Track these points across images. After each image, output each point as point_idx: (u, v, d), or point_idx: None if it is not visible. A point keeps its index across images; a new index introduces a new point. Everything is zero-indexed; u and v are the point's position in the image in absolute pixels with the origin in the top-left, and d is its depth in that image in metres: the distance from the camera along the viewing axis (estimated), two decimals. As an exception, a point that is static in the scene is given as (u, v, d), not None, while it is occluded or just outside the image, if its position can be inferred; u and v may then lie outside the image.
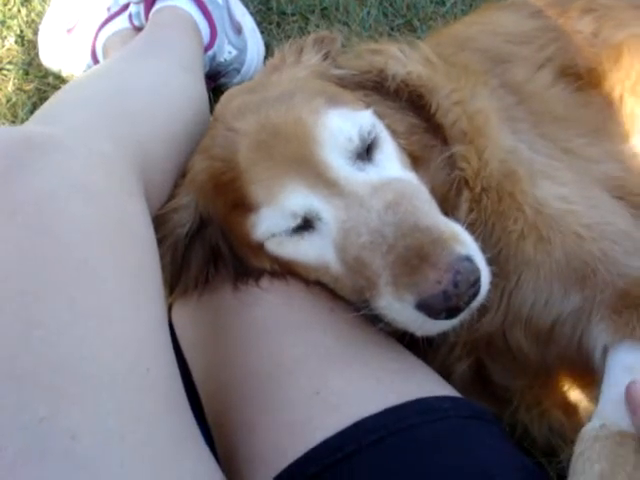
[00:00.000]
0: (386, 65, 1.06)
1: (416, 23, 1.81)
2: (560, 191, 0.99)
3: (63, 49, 1.65)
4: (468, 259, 0.80)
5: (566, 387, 1.05)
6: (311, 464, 0.81)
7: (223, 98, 1.08)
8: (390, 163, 0.92)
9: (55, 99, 1.02)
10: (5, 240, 0.68)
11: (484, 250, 0.87)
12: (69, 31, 1.63)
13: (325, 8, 1.83)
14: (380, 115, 0.97)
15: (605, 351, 0.91)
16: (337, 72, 1.05)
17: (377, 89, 1.04)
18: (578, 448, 0.82)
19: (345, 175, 0.87)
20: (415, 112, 1.02)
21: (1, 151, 0.73)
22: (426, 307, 0.78)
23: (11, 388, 0.62)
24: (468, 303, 0.80)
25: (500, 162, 0.99)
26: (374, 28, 1.79)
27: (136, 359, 0.71)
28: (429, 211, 0.86)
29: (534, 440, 1.09)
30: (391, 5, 1.84)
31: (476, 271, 0.80)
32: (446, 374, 1.00)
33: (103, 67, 1.28)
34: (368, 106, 0.97)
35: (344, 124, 0.89)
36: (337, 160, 0.87)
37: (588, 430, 0.83)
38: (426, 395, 0.87)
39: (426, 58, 1.10)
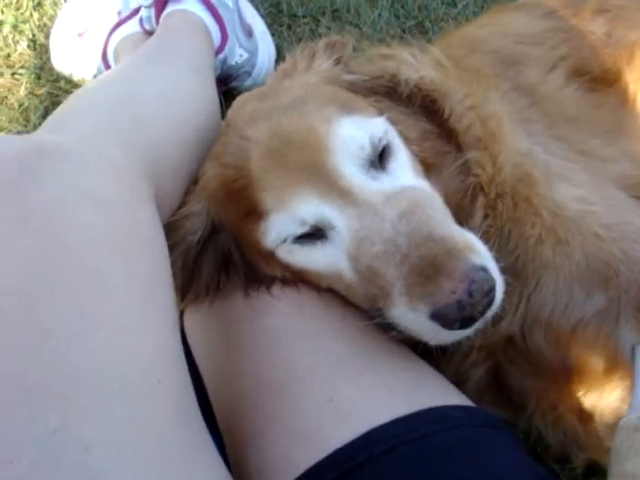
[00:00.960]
0: (398, 70, 1.05)
1: (427, 25, 1.80)
2: (577, 192, 0.98)
3: (74, 53, 1.65)
4: (483, 269, 0.79)
5: (582, 392, 1.05)
6: (323, 473, 0.81)
7: (235, 104, 1.07)
8: (403, 171, 0.91)
9: (66, 106, 1.02)
10: (15, 248, 0.68)
11: (499, 258, 0.86)
12: (80, 35, 1.63)
13: (336, 10, 1.83)
14: (393, 121, 0.96)
15: (633, 348, 0.92)
16: (349, 78, 1.04)
17: (389, 94, 1.03)
18: (618, 438, 0.83)
19: (358, 184, 0.86)
20: (428, 117, 1.02)
21: (13, 160, 0.73)
22: (440, 317, 0.78)
23: (23, 399, 0.62)
24: (482, 313, 0.79)
25: (514, 166, 0.98)
26: (385, 30, 1.79)
27: (148, 369, 0.71)
28: (443, 220, 0.85)
29: (548, 446, 1.09)
30: (402, 7, 1.83)
31: (490, 280, 0.79)
32: (461, 381, 1.00)
33: (113, 73, 1.28)
34: (381, 112, 0.97)
35: (357, 132, 0.89)
36: (350, 168, 0.87)
37: (627, 421, 0.84)
38: (439, 404, 0.86)
39: (438, 62, 1.09)
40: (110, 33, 1.58)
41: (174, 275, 0.87)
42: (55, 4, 1.84)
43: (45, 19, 1.82)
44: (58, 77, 1.71)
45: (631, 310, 0.92)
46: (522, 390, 1.06)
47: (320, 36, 1.75)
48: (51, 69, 1.72)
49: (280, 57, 1.70)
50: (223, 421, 0.95)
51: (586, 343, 0.97)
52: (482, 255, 0.82)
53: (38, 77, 1.73)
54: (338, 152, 0.87)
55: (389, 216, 0.83)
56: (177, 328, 0.81)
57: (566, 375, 1.03)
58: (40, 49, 1.77)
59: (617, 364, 0.97)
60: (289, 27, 1.82)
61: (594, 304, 0.94)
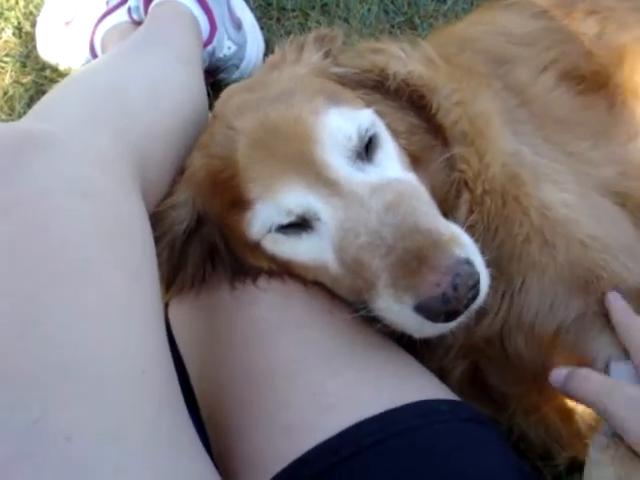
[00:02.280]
0: (387, 64, 1.04)
1: (417, 21, 1.80)
2: (564, 197, 0.98)
3: (61, 42, 1.64)
4: (467, 262, 0.79)
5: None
6: (308, 466, 0.81)
7: (223, 95, 1.07)
8: (390, 163, 0.91)
9: (52, 94, 1.01)
10: (0, 237, 0.67)
11: (484, 252, 0.86)
12: (67, 24, 1.62)
13: (325, 4, 1.82)
14: (380, 114, 0.96)
15: (607, 361, 0.92)
16: (338, 70, 1.03)
17: (378, 88, 1.02)
18: (591, 453, 0.82)
19: (344, 175, 0.86)
20: (416, 112, 1.02)
21: None
22: (425, 309, 0.78)
23: (4, 388, 0.61)
24: (467, 306, 0.79)
25: (503, 165, 0.98)
26: (375, 25, 1.78)
27: (132, 360, 0.70)
28: (429, 212, 0.85)
29: (531, 443, 1.09)
30: (392, 2, 1.83)
31: (475, 274, 0.79)
32: (443, 376, 1.00)
33: (100, 62, 1.27)
34: (368, 105, 0.96)
35: (344, 123, 0.89)
36: (336, 160, 0.87)
37: (599, 439, 0.82)
38: (424, 398, 0.86)
39: (428, 58, 1.09)
40: (98, 22, 1.58)
41: (159, 266, 0.87)
42: (42, -8, 1.83)
43: (31, 7, 1.80)
44: (44, 66, 1.70)
45: (606, 320, 0.92)
46: (503, 388, 1.06)
47: (309, 30, 1.74)
48: (37, 58, 1.71)
49: (269, 50, 1.69)
50: (207, 413, 0.95)
51: (566, 348, 0.97)
52: (467, 248, 0.82)
53: (23, 65, 1.71)
54: (325, 143, 0.87)
55: (375, 207, 0.82)
56: (162, 319, 0.81)
57: (545, 378, 1.02)
58: (26, 37, 1.76)
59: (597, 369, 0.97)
60: (278, 20, 1.81)
61: (574, 308, 0.94)
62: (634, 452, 0.77)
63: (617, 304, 0.91)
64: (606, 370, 0.91)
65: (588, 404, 0.82)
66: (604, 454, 0.79)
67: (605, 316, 0.93)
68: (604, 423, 0.84)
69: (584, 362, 0.95)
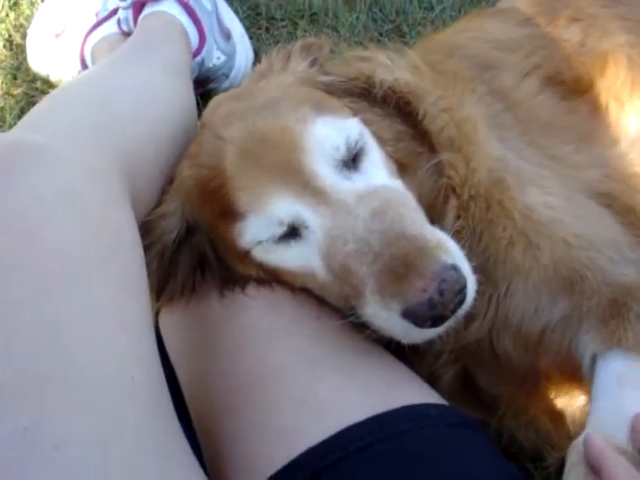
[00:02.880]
0: (374, 72, 1.06)
1: (405, 28, 1.82)
2: (548, 199, 0.99)
3: (51, 54, 1.65)
4: (454, 268, 0.80)
5: (553, 394, 1.06)
6: (297, 472, 0.81)
7: (210, 105, 1.08)
8: (377, 171, 0.92)
9: (42, 105, 1.01)
10: None
11: (471, 258, 0.87)
12: (57, 36, 1.63)
13: (314, 13, 1.84)
14: (367, 122, 0.97)
15: (594, 359, 0.92)
16: (324, 79, 1.04)
17: (365, 96, 1.03)
18: (573, 457, 0.82)
19: (332, 183, 0.87)
20: (402, 119, 1.02)
21: None
22: (412, 315, 0.78)
23: None
24: (454, 311, 0.80)
25: (489, 170, 0.99)
26: (363, 33, 1.80)
27: (121, 367, 0.71)
28: (415, 219, 0.86)
29: (521, 445, 1.09)
30: (380, 10, 1.85)
31: (461, 279, 0.80)
32: (433, 381, 1.01)
33: (90, 73, 1.27)
34: (355, 113, 0.97)
35: (330, 132, 0.90)
36: (324, 168, 0.88)
37: (579, 441, 0.82)
38: (412, 402, 0.87)
39: (414, 65, 1.10)
40: (87, 34, 1.58)
41: (149, 275, 0.88)
42: (32, 4, 1.84)
43: (22, 19, 1.82)
44: (34, 77, 1.71)
45: (594, 320, 0.93)
46: (492, 392, 1.07)
47: (298, 39, 1.75)
48: (27, 69, 1.72)
49: (258, 59, 1.70)
50: (198, 419, 0.96)
51: (553, 348, 0.97)
52: (454, 254, 0.83)
53: (14, 77, 1.72)
54: (312, 152, 0.88)
55: (362, 215, 0.83)
56: (152, 327, 0.82)
57: (535, 379, 1.04)
58: (16, 49, 1.77)
59: (581, 370, 0.97)
60: (267, 30, 1.83)
61: (560, 309, 0.95)
62: None
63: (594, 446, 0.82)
64: (592, 368, 0.91)
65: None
66: (581, 462, 0.79)
67: (591, 316, 0.93)
68: (588, 424, 0.84)
69: (571, 361, 0.96)
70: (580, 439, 0.82)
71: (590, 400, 0.90)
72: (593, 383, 0.90)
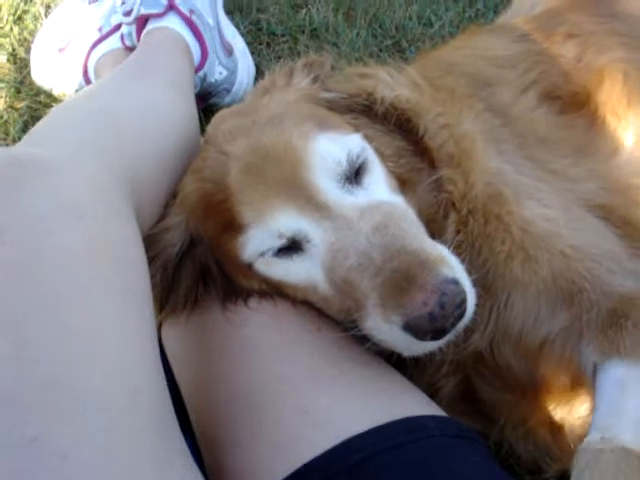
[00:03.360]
0: (375, 89, 1.07)
1: (404, 44, 1.84)
2: (545, 212, 1.01)
3: (55, 68, 1.67)
4: (454, 281, 0.81)
5: (552, 406, 1.07)
6: (299, 482, 0.82)
7: (214, 120, 1.09)
8: (378, 186, 0.94)
9: (46, 121, 1.03)
10: None
11: (470, 272, 0.88)
12: (61, 50, 1.65)
13: (315, 29, 1.87)
14: (369, 138, 0.99)
15: (595, 368, 0.93)
16: (326, 95, 1.06)
17: (366, 112, 1.05)
18: (582, 459, 0.83)
19: (334, 198, 0.88)
20: (403, 135, 1.04)
21: None
22: (413, 328, 0.80)
23: (1, 409, 0.63)
24: (454, 324, 0.81)
25: (486, 184, 1.01)
26: (363, 49, 1.82)
27: (126, 379, 0.72)
28: (416, 234, 0.87)
29: (520, 458, 1.10)
30: (380, 26, 1.87)
31: (462, 293, 0.81)
32: (433, 392, 1.02)
33: (94, 88, 1.29)
34: (357, 129, 0.99)
35: (333, 148, 0.91)
36: (326, 183, 0.89)
37: (590, 443, 0.85)
38: (412, 414, 0.88)
39: (414, 82, 1.12)
40: (91, 48, 1.60)
41: (153, 287, 0.89)
42: (36, 19, 1.86)
43: (25, 33, 1.83)
44: (38, 91, 1.73)
45: (594, 331, 0.94)
46: (492, 403, 1.08)
47: (299, 54, 1.78)
48: (31, 83, 1.73)
49: (259, 75, 1.72)
50: (200, 430, 0.96)
51: (553, 359, 0.99)
52: (454, 268, 0.84)
53: (18, 91, 1.74)
54: (315, 167, 0.89)
55: (364, 229, 0.85)
56: (155, 339, 0.82)
57: (535, 389, 1.05)
58: (20, 63, 1.78)
59: (584, 379, 0.99)
60: (268, 45, 1.85)
61: (560, 321, 0.96)
62: (627, 462, 0.79)
63: None
64: (594, 376, 0.93)
65: None
66: (596, 461, 0.81)
67: (590, 328, 0.94)
68: (592, 428, 0.86)
69: (571, 371, 0.97)
70: (586, 442, 0.84)
71: (594, 406, 0.91)
72: (595, 390, 0.92)
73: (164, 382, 0.80)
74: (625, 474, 0.79)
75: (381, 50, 1.83)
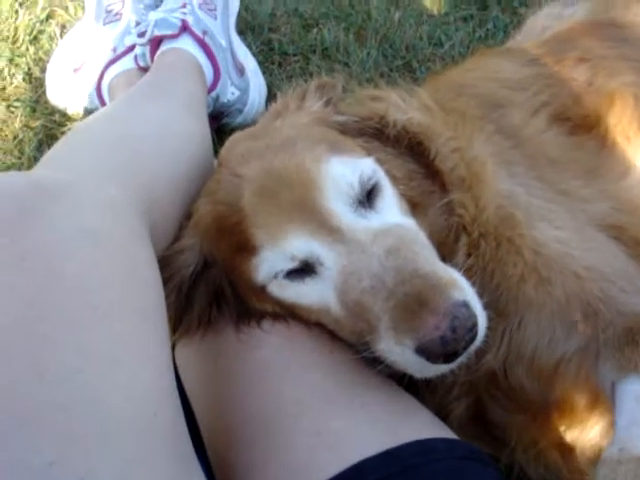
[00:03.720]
0: (387, 112, 1.09)
1: (415, 64, 1.85)
2: (557, 234, 1.01)
3: (70, 88, 1.69)
4: (465, 305, 0.82)
5: (563, 428, 1.07)
6: (312, 505, 0.83)
7: (228, 143, 1.10)
8: (390, 209, 0.95)
9: (63, 143, 1.04)
10: (14, 286, 0.70)
11: (482, 295, 0.89)
12: (76, 70, 1.67)
13: (326, 49, 1.88)
14: (380, 161, 1.00)
15: (613, 385, 0.94)
16: (339, 119, 1.07)
17: (377, 135, 1.06)
18: (601, 472, 0.84)
19: (347, 222, 0.89)
20: (414, 158, 1.05)
21: (12, 196, 0.75)
22: (425, 351, 0.80)
23: (21, 432, 0.63)
24: (465, 348, 0.82)
25: (497, 207, 1.01)
26: (374, 69, 1.83)
27: (144, 403, 0.72)
28: (428, 257, 0.88)
29: (530, 480, 1.10)
30: (390, 46, 1.88)
31: (473, 316, 0.82)
32: (444, 415, 1.02)
33: (109, 110, 1.30)
34: (369, 153, 1.00)
35: (345, 171, 0.92)
36: (339, 207, 0.90)
37: (609, 455, 0.86)
38: (423, 437, 0.88)
39: (425, 105, 1.13)
40: (105, 69, 1.62)
41: (167, 308, 0.90)
42: (51, 39, 1.88)
43: (41, 53, 1.86)
44: (53, 110, 1.75)
45: (610, 349, 0.95)
46: (504, 425, 1.08)
47: (310, 74, 1.80)
48: (46, 102, 1.75)
49: (271, 94, 1.74)
50: (214, 453, 0.97)
51: (568, 380, 0.99)
52: (465, 291, 0.85)
53: (33, 110, 1.76)
54: (328, 191, 0.90)
55: (376, 253, 0.86)
56: (171, 362, 0.83)
57: (547, 411, 1.05)
58: (35, 82, 1.80)
59: (598, 401, 1.00)
60: (280, 65, 1.86)
61: (575, 342, 0.97)
62: (638, 472, 0.81)
63: None
64: (613, 395, 0.94)
65: None
66: (614, 473, 0.82)
67: (608, 347, 0.95)
68: (612, 442, 0.87)
69: (586, 390, 0.98)
70: (604, 455, 0.85)
71: (614, 420, 0.92)
72: (615, 406, 0.93)
73: (179, 405, 0.81)
74: None
75: (392, 70, 1.84)
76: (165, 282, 0.93)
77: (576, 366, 0.98)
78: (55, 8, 1.93)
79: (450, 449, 0.90)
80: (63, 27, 1.90)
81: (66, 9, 1.93)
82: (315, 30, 1.92)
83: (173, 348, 1.08)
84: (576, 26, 1.39)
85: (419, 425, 0.92)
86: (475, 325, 0.82)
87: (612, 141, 1.22)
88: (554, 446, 1.07)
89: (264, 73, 1.80)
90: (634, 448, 0.84)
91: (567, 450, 1.07)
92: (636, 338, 0.94)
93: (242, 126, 1.56)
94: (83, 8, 1.82)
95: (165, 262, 0.98)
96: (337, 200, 0.90)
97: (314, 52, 1.88)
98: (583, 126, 1.23)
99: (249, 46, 1.83)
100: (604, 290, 0.97)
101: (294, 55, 1.88)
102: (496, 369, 1.01)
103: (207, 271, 1.00)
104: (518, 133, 1.17)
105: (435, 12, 1.99)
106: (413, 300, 0.81)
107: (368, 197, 0.93)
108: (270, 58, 1.88)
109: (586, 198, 1.11)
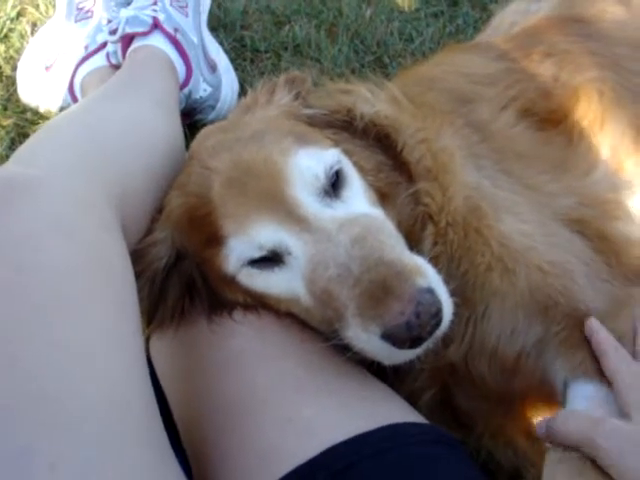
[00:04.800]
0: (355, 105, 1.10)
1: (386, 60, 1.87)
2: (522, 227, 1.03)
3: (41, 85, 1.68)
4: (430, 291, 0.84)
5: (529, 415, 1.09)
6: (284, 490, 0.84)
7: (198, 136, 1.12)
8: (357, 199, 0.96)
9: (35, 138, 1.04)
10: None
11: (448, 282, 0.90)
12: (47, 68, 1.66)
13: (298, 45, 1.89)
14: (348, 153, 1.01)
15: (565, 385, 0.97)
16: (307, 112, 1.09)
17: (346, 128, 1.08)
18: (546, 471, 0.86)
19: (314, 212, 0.91)
20: (382, 150, 1.07)
21: None
22: (391, 337, 0.82)
23: None
24: (431, 333, 0.83)
25: (465, 198, 1.03)
26: (345, 65, 1.85)
27: (116, 391, 0.73)
28: (394, 245, 0.89)
29: (499, 463, 1.12)
30: (362, 43, 1.90)
31: (437, 302, 0.84)
32: (413, 401, 1.04)
33: (80, 106, 1.31)
34: (337, 144, 1.02)
35: (311, 163, 0.94)
36: (306, 197, 0.91)
37: (553, 453, 0.87)
38: (393, 421, 0.90)
39: (393, 98, 1.15)
40: (77, 66, 1.62)
41: (140, 301, 0.91)
42: (22, 37, 1.87)
43: (12, 51, 1.84)
44: (25, 109, 1.74)
45: (562, 346, 0.97)
46: (470, 412, 1.10)
47: (282, 70, 1.80)
48: (18, 101, 1.74)
49: (243, 91, 1.74)
50: (188, 442, 0.98)
51: (527, 373, 1.01)
52: (430, 278, 0.86)
53: (5, 108, 1.75)
54: (295, 182, 0.92)
55: (343, 242, 0.87)
56: (143, 351, 0.84)
57: (510, 400, 1.07)
58: (7, 81, 1.79)
59: (555, 394, 1.01)
60: (252, 62, 1.87)
61: (534, 333, 0.99)
62: (587, 464, 0.82)
63: (600, 335, 0.94)
64: (565, 392, 0.95)
65: (575, 444, 0.85)
66: (555, 470, 0.84)
67: (560, 342, 0.97)
68: None
69: (544, 384, 0.99)
70: (553, 452, 0.87)
71: None
72: (566, 404, 0.95)
73: (152, 395, 0.82)
74: (584, 476, 0.82)
75: (363, 66, 1.86)
76: (138, 275, 0.94)
77: (534, 359, 1.00)
78: (26, 6, 1.93)
79: (420, 433, 0.92)
80: (34, 25, 1.90)
81: (37, 7, 1.93)
82: (287, 27, 1.94)
83: (147, 341, 1.09)
84: (542, 21, 1.40)
85: (389, 410, 0.94)
86: (440, 311, 0.84)
87: (578, 136, 1.24)
88: (521, 432, 1.09)
89: (236, 70, 1.80)
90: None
91: (534, 436, 1.09)
92: (586, 338, 0.96)
93: (215, 122, 1.57)
94: (54, 6, 1.81)
95: (137, 256, 0.99)
96: (304, 190, 0.92)
97: (286, 49, 1.89)
98: (550, 121, 1.25)
99: (221, 43, 1.83)
100: (565, 285, 0.99)
101: (266, 52, 1.89)
102: (457, 361, 1.03)
103: (179, 263, 1.01)
104: (486, 127, 1.19)
105: (406, 8, 2.01)
106: (378, 287, 0.82)
107: (335, 187, 0.95)
108: (242, 55, 1.88)
109: (552, 193, 1.13)
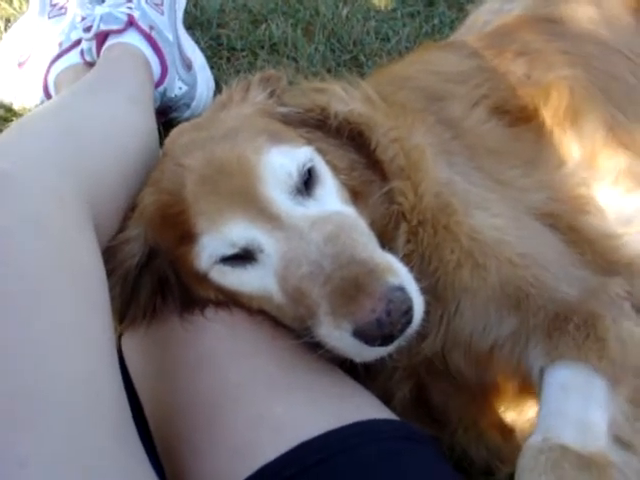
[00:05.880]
0: (329, 103, 1.11)
1: (362, 59, 1.88)
2: (494, 221, 1.04)
3: (15, 82, 1.67)
4: (401, 289, 0.84)
5: (502, 409, 1.10)
6: (255, 487, 0.84)
7: (172, 134, 1.12)
8: (330, 198, 0.97)
9: (7, 134, 1.04)
10: None
11: (420, 280, 0.91)
12: (21, 65, 1.65)
13: (274, 44, 1.90)
14: (322, 151, 1.02)
15: (541, 372, 0.97)
16: (281, 110, 1.09)
17: (320, 126, 1.08)
18: (522, 460, 0.86)
19: (286, 209, 0.91)
20: (356, 149, 1.07)
21: None
22: (362, 334, 0.82)
23: None
24: (402, 331, 0.84)
25: (435, 195, 1.03)
26: (321, 63, 1.85)
27: (86, 388, 0.73)
28: (366, 244, 0.90)
29: (472, 460, 1.13)
30: (338, 42, 1.91)
31: (408, 300, 0.84)
32: (387, 398, 1.04)
33: (54, 102, 1.30)
34: (310, 143, 1.02)
35: (284, 161, 0.94)
36: (278, 195, 0.92)
37: (531, 443, 0.87)
38: (364, 418, 0.90)
39: (367, 97, 1.15)
40: (51, 63, 1.61)
41: (112, 299, 0.91)
42: (-5, 34, 1.86)
43: (-15, 48, 1.83)
44: (-2, 105, 1.73)
45: (540, 335, 0.98)
46: (444, 407, 1.11)
47: (258, 69, 1.81)
48: (-9, 97, 1.73)
49: (219, 89, 1.74)
50: (160, 440, 0.98)
51: (502, 364, 1.02)
52: (401, 276, 0.87)
53: (-23, 105, 1.73)
54: (267, 180, 0.92)
55: (315, 239, 0.88)
56: (114, 349, 0.85)
57: (485, 393, 1.08)
58: (-20, 78, 1.78)
59: (531, 383, 1.02)
60: (228, 60, 1.88)
61: (507, 326, 1.00)
62: (565, 458, 0.82)
63: None
64: (541, 380, 0.96)
65: None
66: (535, 461, 0.84)
67: (537, 332, 0.98)
68: (535, 430, 0.89)
69: (520, 375, 1.01)
70: (528, 443, 0.87)
71: (538, 408, 0.94)
72: (540, 393, 0.95)
73: (123, 391, 0.82)
74: (563, 469, 0.82)
75: (339, 65, 1.86)
76: (110, 273, 0.94)
77: (509, 351, 1.00)
78: (-1, 2, 1.92)
79: (392, 430, 0.92)
80: (7, 21, 1.88)
81: (10, 2, 1.92)
82: (263, 26, 1.94)
83: (120, 339, 1.09)
84: (515, 20, 1.42)
85: (360, 407, 0.94)
86: (410, 308, 0.85)
87: (549, 132, 1.25)
88: (494, 427, 1.10)
89: (212, 68, 1.80)
90: (556, 437, 0.86)
91: (507, 431, 1.10)
92: (563, 324, 0.96)
93: (190, 120, 1.56)
94: (27, 2, 1.80)
95: (110, 253, 0.99)
96: (276, 189, 0.92)
97: (262, 47, 1.90)
98: (522, 118, 1.26)
99: (197, 41, 1.83)
100: (537, 277, 0.99)
101: (242, 50, 1.89)
102: (435, 354, 1.03)
103: (152, 261, 1.01)
104: (458, 124, 1.20)
105: (382, 8, 2.02)
106: (350, 285, 0.83)
107: (307, 186, 0.95)
108: (218, 53, 1.89)
109: (523, 187, 1.14)
